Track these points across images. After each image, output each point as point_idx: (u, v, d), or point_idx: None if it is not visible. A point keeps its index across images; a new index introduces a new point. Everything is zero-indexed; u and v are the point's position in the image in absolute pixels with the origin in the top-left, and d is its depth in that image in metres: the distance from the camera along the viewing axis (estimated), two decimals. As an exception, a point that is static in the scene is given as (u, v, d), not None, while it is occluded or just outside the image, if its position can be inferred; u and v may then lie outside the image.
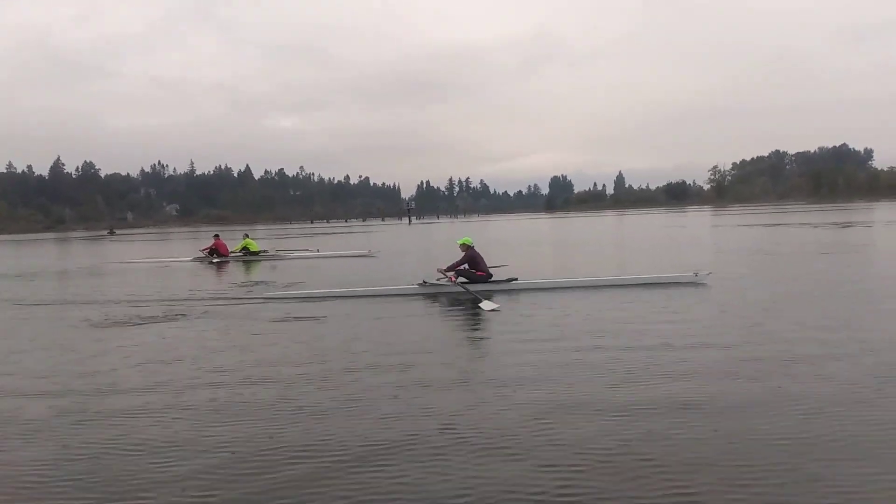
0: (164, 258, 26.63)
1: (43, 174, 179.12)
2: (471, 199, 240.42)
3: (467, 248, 12.44)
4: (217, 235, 25.91)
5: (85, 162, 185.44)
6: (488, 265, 12.55)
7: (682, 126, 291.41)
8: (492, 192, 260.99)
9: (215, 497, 3.72)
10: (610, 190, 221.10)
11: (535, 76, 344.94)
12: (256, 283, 15.96)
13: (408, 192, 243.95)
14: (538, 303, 10.50)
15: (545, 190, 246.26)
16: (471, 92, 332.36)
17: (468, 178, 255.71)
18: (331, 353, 7.39)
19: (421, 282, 12.45)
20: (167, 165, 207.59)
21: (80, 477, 4.06)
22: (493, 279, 12.29)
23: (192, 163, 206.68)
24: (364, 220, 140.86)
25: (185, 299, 12.78)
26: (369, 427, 4.75)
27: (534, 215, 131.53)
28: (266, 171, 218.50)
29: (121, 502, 3.71)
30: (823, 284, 11.73)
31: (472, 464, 4.01)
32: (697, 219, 60.52)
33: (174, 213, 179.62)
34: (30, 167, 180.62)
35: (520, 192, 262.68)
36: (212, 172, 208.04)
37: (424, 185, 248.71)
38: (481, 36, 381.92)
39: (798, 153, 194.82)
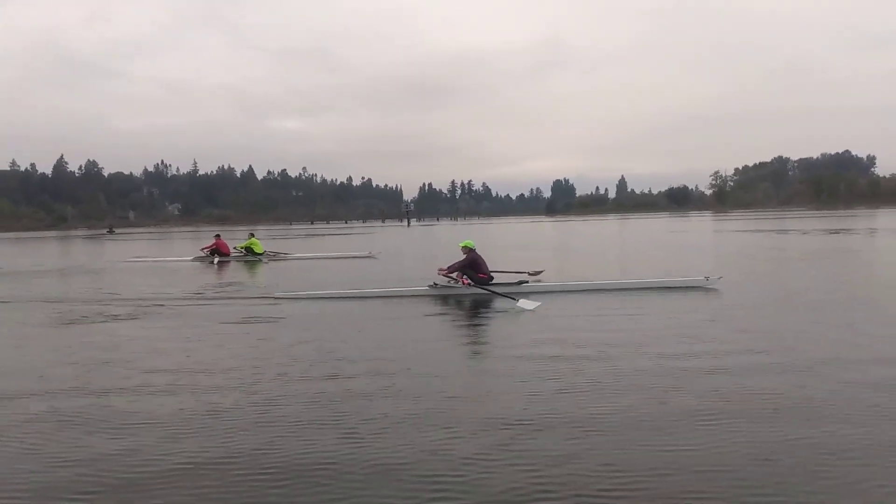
0: (159, 258, 26.60)
1: (46, 172, 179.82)
2: (473, 202, 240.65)
3: (469, 250, 12.39)
4: (218, 235, 25.90)
5: (88, 161, 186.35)
6: (515, 269, 12.70)
7: (687, 131, 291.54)
8: (494, 195, 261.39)
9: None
10: (612, 194, 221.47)
11: (542, 81, 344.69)
12: (243, 283, 16.16)
13: (410, 194, 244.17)
14: (550, 306, 10.40)
15: (548, 194, 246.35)
16: (476, 96, 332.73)
17: (470, 180, 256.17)
18: (267, 359, 7.20)
19: (432, 283, 12.38)
20: (170, 165, 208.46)
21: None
22: (501, 283, 12.16)
23: (195, 163, 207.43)
24: (364, 222, 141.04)
25: (160, 298, 12.85)
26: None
27: (534, 219, 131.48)
28: (269, 172, 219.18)
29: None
30: (824, 289, 11.89)
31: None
32: (697, 224, 60.65)
33: (176, 212, 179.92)
34: (33, 165, 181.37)
35: (522, 195, 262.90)
36: (214, 173, 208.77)
37: (426, 188, 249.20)
38: (489, 41, 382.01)
39: (801, 159, 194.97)
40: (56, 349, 7.99)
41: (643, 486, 3.69)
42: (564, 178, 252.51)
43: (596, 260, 21.52)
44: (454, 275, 12.11)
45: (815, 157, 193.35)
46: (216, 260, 23.45)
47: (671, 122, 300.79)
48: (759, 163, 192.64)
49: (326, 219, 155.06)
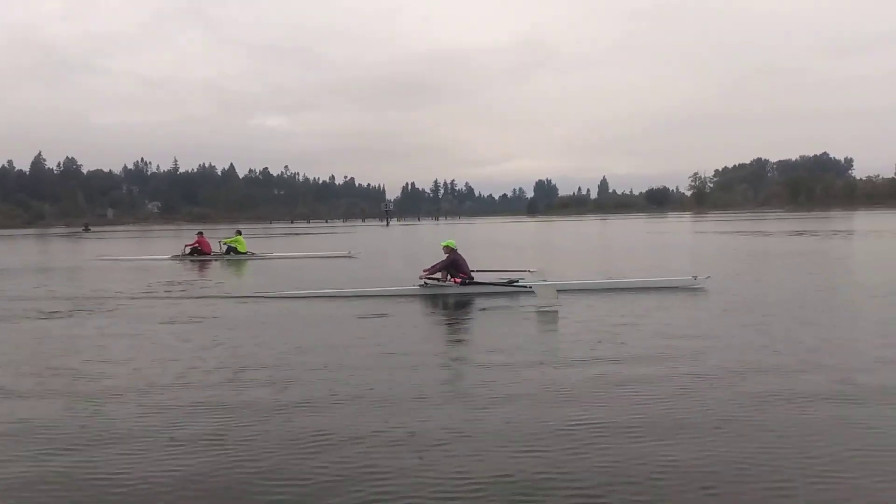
0: (129, 256, 26.30)
1: (24, 169, 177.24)
2: (456, 202, 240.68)
3: (450, 250, 12.33)
4: (201, 233, 25.53)
5: (67, 158, 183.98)
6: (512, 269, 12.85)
7: (669, 132, 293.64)
8: (477, 194, 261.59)
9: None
10: (594, 195, 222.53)
11: (525, 82, 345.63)
12: (211, 281, 16.18)
13: (393, 193, 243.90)
14: (534, 305, 10.47)
15: (531, 194, 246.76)
16: (460, 96, 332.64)
17: (453, 180, 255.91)
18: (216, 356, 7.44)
19: (422, 283, 12.30)
20: (150, 163, 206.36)
21: None
22: (489, 280, 12.29)
23: (175, 160, 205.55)
24: (345, 221, 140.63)
25: (109, 296, 12.88)
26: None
27: (515, 219, 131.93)
28: (250, 170, 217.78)
29: None
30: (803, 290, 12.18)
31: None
32: (673, 225, 61.21)
33: (156, 210, 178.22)
34: (10, 162, 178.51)
35: (505, 195, 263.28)
36: (195, 170, 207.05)
37: (409, 187, 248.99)
38: (472, 41, 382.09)
39: (780, 161, 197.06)
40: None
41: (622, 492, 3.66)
42: (547, 179, 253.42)
43: (579, 260, 21.70)
44: (437, 275, 12.17)
45: (793, 158, 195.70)
46: (195, 258, 23.21)
47: (653, 124, 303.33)
48: (739, 164, 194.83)
49: (307, 218, 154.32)
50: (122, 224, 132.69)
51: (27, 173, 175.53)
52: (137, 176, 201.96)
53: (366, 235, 51.99)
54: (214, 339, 8.32)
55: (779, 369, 6.13)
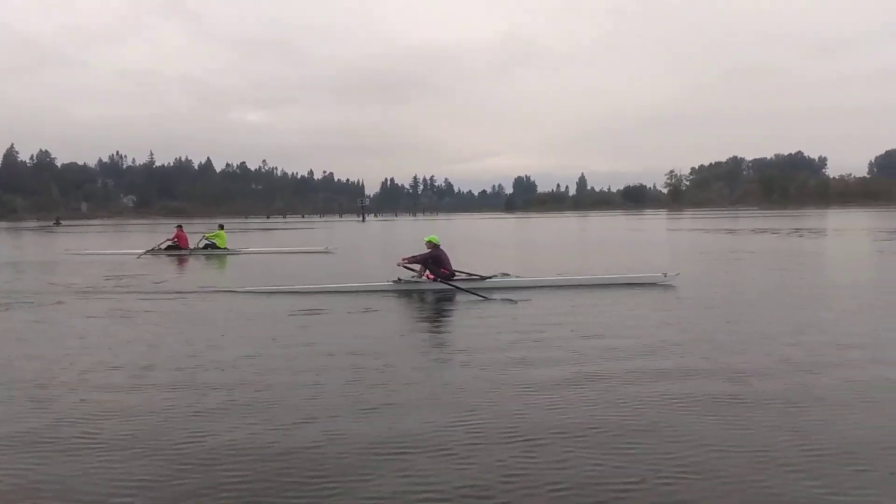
0: (97, 250, 25.88)
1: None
2: (435, 198, 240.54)
3: (433, 246, 12.42)
4: (180, 226, 25.24)
5: (41, 150, 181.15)
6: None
7: (649, 130, 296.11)
8: (456, 191, 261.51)
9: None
10: (573, 192, 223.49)
11: (506, 79, 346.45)
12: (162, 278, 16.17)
13: (372, 188, 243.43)
14: (508, 302, 10.64)
15: (510, 190, 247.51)
16: (440, 92, 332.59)
17: (433, 176, 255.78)
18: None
19: (396, 279, 12.41)
20: (126, 156, 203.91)
21: None
22: (463, 277, 12.32)
23: (151, 154, 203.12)
24: (322, 216, 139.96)
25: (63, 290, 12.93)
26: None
27: (492, 215, 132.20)
28: (228, 165, 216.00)
29: None
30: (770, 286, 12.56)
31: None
32: (648, 222, 61.80)
33: (131, 204, 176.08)
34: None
35: (484, 191, 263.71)
36: (172, 164, 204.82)
37: (389, 182, 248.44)
38: (453, 37, 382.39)
39: (755, 160, 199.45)
40: None
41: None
42: (526, 175, 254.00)
43: (553, 257, 21.84)
44: (417, 267, 12.28)
45: (769, 157, 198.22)
46: (171, 253, 23.03)
47: (632, 121, 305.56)
48: (715, 162, 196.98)
49: (283, 212, 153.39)
50: (97, 218, 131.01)
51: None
52: (112, 169, 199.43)
53: (340, 232, 51.72)
54: (138, 334, 8.41)
55: (683, 371, 6.11)
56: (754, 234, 32.72)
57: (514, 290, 11.90)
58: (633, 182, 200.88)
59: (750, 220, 57.60)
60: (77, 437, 4.55)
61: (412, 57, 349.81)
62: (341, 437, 4.49)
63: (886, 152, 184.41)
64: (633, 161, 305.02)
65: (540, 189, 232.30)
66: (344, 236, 41.12)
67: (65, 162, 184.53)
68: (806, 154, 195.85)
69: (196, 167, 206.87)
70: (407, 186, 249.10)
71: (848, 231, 34.97)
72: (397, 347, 7.59)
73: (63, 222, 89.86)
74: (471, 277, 12.45)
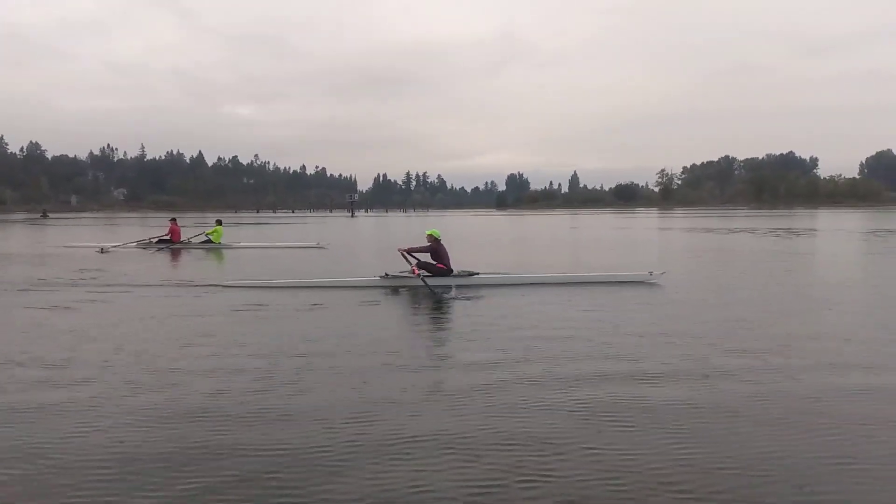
0: (78, 244, 25.71)
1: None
2: (427, 194, 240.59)
3: (434, 239, 12.64)
4: (174, 219, 25.29)
5: (31, 142, 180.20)
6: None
7: (639, 129, 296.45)
8: (449, 187, 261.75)
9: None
10: (565, 189, 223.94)
11: (500, 76, 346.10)
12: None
13: (365, 184, 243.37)
14: (496, 297, 10.78)
15: (502, 187, 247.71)
16: (434, 89, 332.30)
17: (425, 172, 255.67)
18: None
19: (383, 274, 12.64)
20: (117, 149, 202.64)
21: None
22: (454, 274, 12.52)
23: (142, 147, 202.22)
24: (313, 211, 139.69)
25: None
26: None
27: (483, 212, 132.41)
28: (219, 159, 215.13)
29: None
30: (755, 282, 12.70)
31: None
32: (638, 220, 62.02)
33: (121, 197, 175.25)
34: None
35: (476, 188, 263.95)
36: (163, 158, 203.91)
37: (381, 178, 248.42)
38: (447, 33, 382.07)
39: (747, 159, 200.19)
40: None
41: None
42: (519, 173, 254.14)
43: (541, 254, 21.92)
44: (412, 260, 12.41)
45: (760, 157, 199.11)
46: (162, 247, 23.07)
47: (624, 120, 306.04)
48: (707, 162, 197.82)
49: (274, 207, 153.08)
50: (87, 211, 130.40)
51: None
52: (103, 162, 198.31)
53: (326, 228, 51.14)
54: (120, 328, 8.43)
55: (644, 373, 6.07)
56: (742, 234, 32.94)
57: (499, 286, 12.06)
58: (624, 180, 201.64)
59: (739, 219, 57.91)
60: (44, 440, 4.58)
61: (406, 53, 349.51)
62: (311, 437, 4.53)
63: (877, 153, 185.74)
64: (624, 159, 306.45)
65: (532, 186, 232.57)
66: (328, 233, 40.68)
67: (55, 154, 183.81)
68: (797, 154, 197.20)
69: (188, 161, 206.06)
70: (400, 182, 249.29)
71: (834, 231, 35.18)
72: (367, 344, 7.48)
73: (51, 215, 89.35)
74: (460, 273, 12.67)
